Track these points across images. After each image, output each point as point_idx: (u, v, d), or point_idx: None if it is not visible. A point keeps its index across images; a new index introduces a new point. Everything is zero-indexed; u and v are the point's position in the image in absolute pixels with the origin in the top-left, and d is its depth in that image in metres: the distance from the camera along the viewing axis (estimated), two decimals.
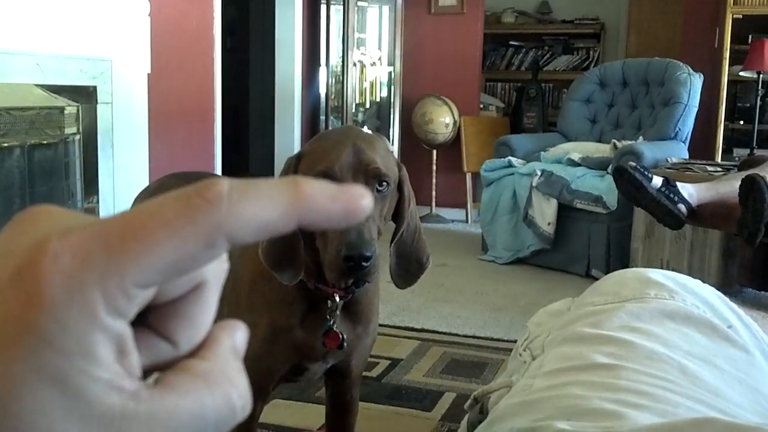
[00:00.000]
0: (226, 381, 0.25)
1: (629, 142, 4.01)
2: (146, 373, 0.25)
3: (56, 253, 0.22)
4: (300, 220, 0.25)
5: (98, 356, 0.22)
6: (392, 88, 5.55)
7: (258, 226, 0.24)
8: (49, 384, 0.22)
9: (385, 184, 1.08)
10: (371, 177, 1.06)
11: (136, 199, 1.83)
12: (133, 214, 0.23)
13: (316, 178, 0.91)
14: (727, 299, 0.97)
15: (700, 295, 0.93)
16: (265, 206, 0.24)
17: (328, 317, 1.15)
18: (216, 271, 0.27)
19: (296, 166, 1.12)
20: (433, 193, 5.54)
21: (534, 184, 3.98)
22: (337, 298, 1.15)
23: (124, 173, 3.07)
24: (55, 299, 0.22)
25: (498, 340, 2.75)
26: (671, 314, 0.88)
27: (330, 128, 5.07)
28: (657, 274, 0.96)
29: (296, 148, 4.90)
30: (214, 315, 0.27)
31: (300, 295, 1.17)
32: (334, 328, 1.15)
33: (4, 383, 0.22)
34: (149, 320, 0.26)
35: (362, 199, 0.26)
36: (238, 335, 0.28)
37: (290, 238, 1.10)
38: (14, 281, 0.22)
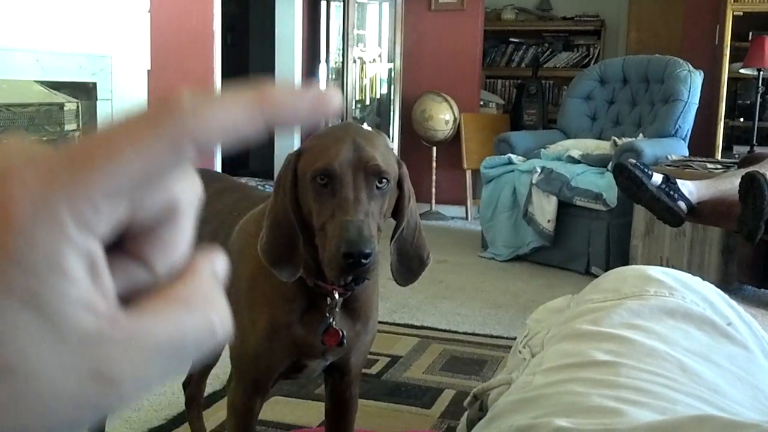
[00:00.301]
0: (205, 303, 0.25)
1: (629, 140, 4.01)
2: (124, 300, 0.24)
3: (22, 176, 0.22)
4: (267, 119, 0.25)
5: (69, 273, 0.22)
6: (392, 85, 5.54)
7: (223, 127, 0.24)
8: (20, 304, 0.21)
9: (384, 181, 1.08)
10: (371, 174, 1.06)
11: None
12: (97, 133, 0.24)
13: (315, 176, 0.89)
14: (726, 296, 0.97)
15: (700, 292, 0.93)
16: (229, 108, 0.24)
17: (327, 314, 1.15)
18: (189, 194, 0.26)
19: (296, 162, 1.12)
20: (433, 190, 5.54)
21: (534, 182, 3.98)
22: (337, 296, 1.15)
23: None
24: (23, 219, 0.22)
25: (497, 337, 2.75)
26: (671, 311, 0.88)
27: (330, 125, 5.07)
28: (656, 271, 0.96)
29: (296, 144, 4.89)
30: (190, 240, 0.27)
31: (300, 292, 1.16)
32: (334, 326, 1.15)
33: None
34: (125, 246, 0.25)
35: (326, 96, 0.26)
36: (217, 262, 0.27)
37: (289, 235, 1.10)
38: None
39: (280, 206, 1.11)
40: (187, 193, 0.26)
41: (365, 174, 1.05)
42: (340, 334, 1.16)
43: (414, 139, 5.48)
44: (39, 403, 0.22)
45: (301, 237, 1.10)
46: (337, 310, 1.16)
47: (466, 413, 1.02)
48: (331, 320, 1.15)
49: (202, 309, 0.25)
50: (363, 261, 0.99)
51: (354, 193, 1.04)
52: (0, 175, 0.23)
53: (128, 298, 0.25)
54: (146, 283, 0.26)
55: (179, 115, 0.23)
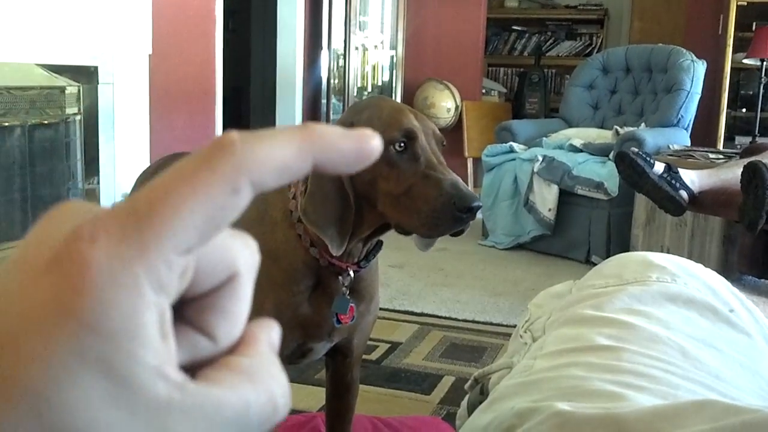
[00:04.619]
0: (268, 377, 0.25)
1: (631, 129, 4.00)
2: (185, 370, 0.24)
3: (92, 236, 0.22)
4: (315, 159, 0.25)
5: (145, 338, 0.22)
6: (394, 72, 5.53)
7: (277, 167, 0.24)
8: (93, 370, 0.21)
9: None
10: (438, 142, 1.15)
11: (137, 180, 1.82)
12: (154, 183, 0.23)
13: (393, 141, 0.91)
14: (728, 283, 0.97)
15: (702, 279, 0.93)
16: (279, 147, 0.24)
17: (344, 290, 1.17)
18: (248, 262, 0.26)
19: None
20: None
21: (535, 170, 3.97)
22: (351, 273, 1.17)
23: (124, 154, 3.06)
24: (99, 281, 0.21)
25: (497, 324, 2.76)
26: (673, 297, 0.88)
27: (331, 112, 5.07)
28: (659, 257, 0.96)
29: None
30: (249, 309, 0.27)
31: (309, 271, 1.17)
32: (349, 300, 1.18)
33: (43, 373, 0.21)
34: (186, 315, 0.25)
35: (372, 139, 0.26)
36: (273, 332, 0.27)
37: (343, 208, 1.09)
38: (52, 267, 0.22)
39: (328, 180, 1.10)
40: (246, 262, 0.26)
41: (435, 141, 1.14)
42: (353, 308, 1.18)
43: None
44: None
45: (354, 210, 1.10)
46: (347, 287, 1.18)
47: (467, 396, 1.03)
48: (347, 295, 1.17)
49: (266, 383, 0.25)
50: (477, 214, 1.09)
51: (437, 156, 1.11)
52: (68, 235, 0.22)
53: (188, 369, 0.24)
54: (208, 354, 0.25)
55: (232, 152, 0.23)
